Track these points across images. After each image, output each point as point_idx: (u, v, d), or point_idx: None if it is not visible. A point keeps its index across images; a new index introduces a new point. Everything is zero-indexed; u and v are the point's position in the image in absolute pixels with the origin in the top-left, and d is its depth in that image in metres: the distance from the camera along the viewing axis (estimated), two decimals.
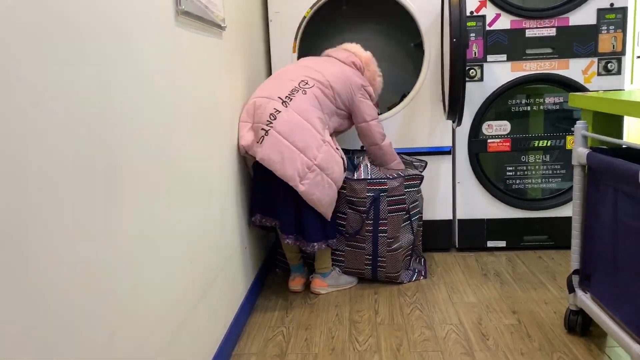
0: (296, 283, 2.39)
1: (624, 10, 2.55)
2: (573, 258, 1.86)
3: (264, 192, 2.18)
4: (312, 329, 2.06)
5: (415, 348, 1.88)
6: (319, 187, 2.10)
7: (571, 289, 1.86)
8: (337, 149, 2.22)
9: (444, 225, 2.79)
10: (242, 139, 2.10)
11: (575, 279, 1.85)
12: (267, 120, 2.07)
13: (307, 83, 2.19)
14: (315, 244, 2.19)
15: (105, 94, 1.05)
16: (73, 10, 0.95)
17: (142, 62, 1.23)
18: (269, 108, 2.09)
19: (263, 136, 2.05)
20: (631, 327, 1.50)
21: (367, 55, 2.44)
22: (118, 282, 1.08)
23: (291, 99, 2.12)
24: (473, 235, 2.79)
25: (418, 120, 2.70)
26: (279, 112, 2.08)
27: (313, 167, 2.07)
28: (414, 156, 2.64)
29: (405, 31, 3.18)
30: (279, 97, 2.13)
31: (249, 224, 2.26)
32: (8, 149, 0.77)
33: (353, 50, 2.43)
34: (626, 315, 1.53)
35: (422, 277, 2.48)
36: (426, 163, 2.54)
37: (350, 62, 2.38)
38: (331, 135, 2.27)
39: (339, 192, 2.25)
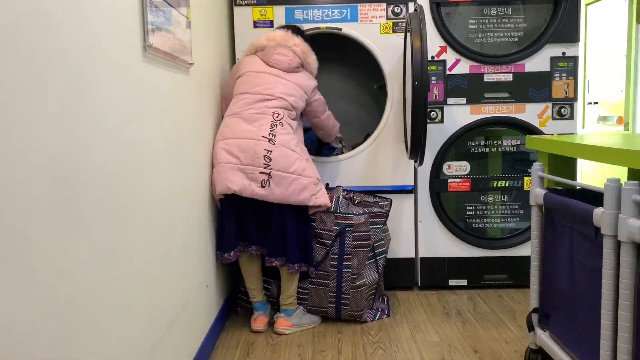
0: (259, 322, 2.35)
1: (574, 59, 2.70)
2: (532, 297, 1.89)
3: (249, 223, 2.27)
4: None
5: None
6: (323, 192, 2.34)
7: (530, 328, 1.89)
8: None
9: (407, 263, 2.81)
10: (232, 183, 2.15)
11: (535, 318, 1.88)
12: (264, 164, 2.17)
13: (278, 114, 2.26)
14: (297, 265, 2.29)
15: (68, 128, 1.03)
16: (36, 41, 0.94)
17: (107, 95, 1.22)
18: (259, 150, 2.17)
19: (267, 180, 2.17)
20: None
21: (302, 47, 2.40)
22: (76, 318, 1.03)
23: (275, 135, 2.21)
24: (435, 273, 2.82)
25: (381, 159, 2.74)
26: (271, 151, 2.18)
27: (315, 181, 2.29)
28: (378, 194, 2.67)
29: (370, 73, 3.26)
30: (263, 137, 2.20)
31: (220, 261, 2.27)
32: None
33: (292, 49, 2.37)
34: (584, 354, 1.56)
35: (385, 316, 2.48)
36: (391, 201, 2.58)
37: (296, 66, 2.39)
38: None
39: None
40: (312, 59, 2.46)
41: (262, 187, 2.17)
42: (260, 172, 2.16)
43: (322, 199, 2.31)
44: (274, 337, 2.29)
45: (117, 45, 1.28)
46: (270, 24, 2.66)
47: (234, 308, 2.57)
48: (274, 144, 2.20)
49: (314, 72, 2.49)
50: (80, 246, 1.06)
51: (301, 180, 2.22)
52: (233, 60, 2.77)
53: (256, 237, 2.29)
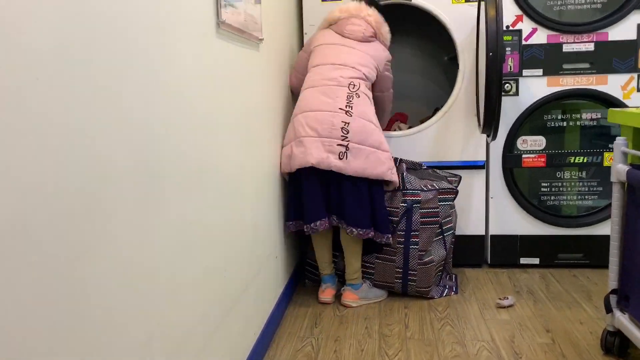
0: (327, 294, 2.39)
1: None
2: (611, 277, 1.81)
3: (331, 194, 2.24)
4: (341, 341, 2.05)
5: None
6: (395, 169, 2.33)
7: (609, 309, 1.81)
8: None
9: (476, 241, 2.75)
10: (310, 156, 2.16)
11: (613, 299, 1.81)
12: (342, 136, 2.17)
13: (354, 85, 2.26)
14: (388, 235, 2.29)
15: (148, 105, 1.08)
16: (118, 23, 0.98)
17: (184, 72, 1.26)
18: (336, 123, 2.18)
19: (344, 152, 2.17)
20: None
21: (375, 17, 2.40)
22: (157, 285, 1.10)
23: (352, 107, 2.21)
24: (506, 252, 2.75)
25: (451, 134, 2.68)
26: (348, 123, 2.18)
27: (390, 156, 2.29)
28: (447, 170, 2.62)
29: (439, 44, 3.17)
30: (340, 109, 2.20)
31: (286, 230, 2.31)
32: (75, 144, 0.80)
33: (365, 18, 2.37)
34: None
35: (453, 293, 2.45)
36: (460, 178, 2.52)
37: (370, 36, 2.38)
38: None
39: None
40: (386, 30, 2.44)
41: (340, 159, 2.16)
42: (338, 144, 2.17)
43: (396, 176, 2.31)
44: (340, 309, 2.33)
45: (192, 23, 1.32)
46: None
47: (301, 280, 2.63)
48: (352, 115, 2.20)
49: (387, 43, 2.47)
50: (160, 218, 1.12)
51: (378, 154, 2.21)
52: (301, 35, 2.77)
53: (336, 208, 2.26)
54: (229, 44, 1.60)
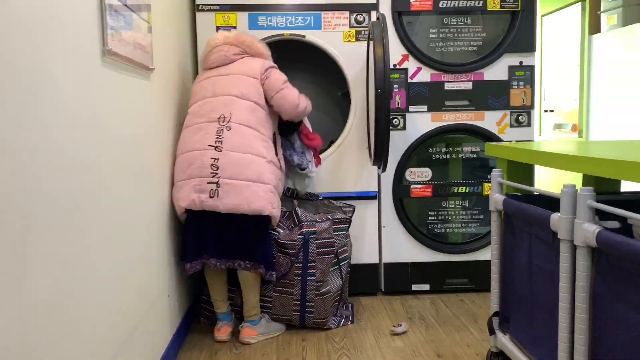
0: (223, 332, 2.30)
1: (531, 68, 2.78)
2: (493, 300, 1.93)
3: (213, 237, 2.17)
4: None
5: None
6: (279, 204, 2.23)
7: (491, 331, 1.93)
8: (279, 159, 2.30)
9: (371, 269, 2.82)
10: (181, 200, 2.10)
11: (495, 321, 1.92)
12: (212, 172, 2.08)
13: (224, 118, 2.15)
14: (272, 272, 2.24)
15: (23, 134, 1.00)
16: None
17: (64, 101, 1.18)
18: (205, 160, 2.09)
19: (215, 189, 2.07)
20: None
21: (235, 34, 2.34)
22: (33, 331, 1.00)
23: (221, 142, 2.11)
24: (398, 279, 2.84)
25: (345, 166, 2.75)
26: (217, 159, 2.09)
27: (272, 189, 2.16)
28: (342, 201, 2.68)
29: (333, 79, 3.27)
30: (209, 145, 2.11)
31: (183, 270, 2.22)
32: None
33: (225, 41, 2.30)
34: (542, 356, 1.60)
35: (349, 322, 2.48)
36: (354, 208, 2.59)
37: (234, 55, 2.30)
38: (274, 134, 2.32)
39: None
40: (250, 40, 2.34)
41: (211, 197, 2.08)
42: (208, 182, 2.08)
43: (277, 210, 2.21)
44: (237, 347, 2.26)
45: (73, 50, 1.25)
46: (234, 30, 2.65)
47: (197, 317, 2.53)
48: (221, 150, 2.10)
49: (260, 51, 2.36)
50: (35, 259, 1.02)
51: (254, 188, 2.10)
52: (196, 66, 2.74)
53: (216, 249, 2.19)
54: (116, 73, 1.53)
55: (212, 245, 2.18)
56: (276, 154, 2.29)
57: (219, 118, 2.15)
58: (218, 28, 2.64)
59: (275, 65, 2.38)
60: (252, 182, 2.09)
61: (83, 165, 1.27)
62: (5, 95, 0.94)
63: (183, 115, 2.38)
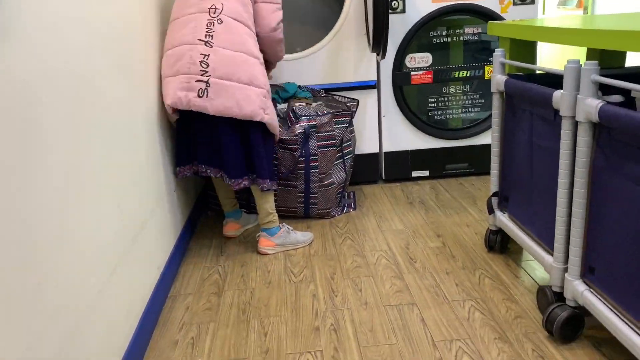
0: (230, 228, 2.35)
1: None
2: (492, 181, 1.97)
3: (203, 142, 2.04)
4: (247, 265, 2.08)
5: (349, 275, 1.95)
6: (272, 109, 2.05)
7: (491, 210, 1.98)
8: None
9: (372, 158, 2.85)
10: (167, 97, 1.94)
11: (495, 201, 1.97)
12: (201, 70, 1.91)
13: (215, 9, 1.96)
14: (268, 180, 2.08)
15: (16, 39, 0.96)
16: None
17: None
18: (195, 56, 1.91)
19: (204, 88, 1.90)
20: (544, 240, 1.63)
21: None
22: (47, 232, 1.03)
23: (212, 36, 1.94)
24: (398, 167, 2.88)
25: (343, 55, 2.68)
26: (208, 55, 1.91)
27: (265, 93, 1.99)
28: (341, 91, 2.64)
29: None
30: (199, 40, 1.94)
31: (175, 175, 2.14)
32: None
33: None
34: (540, 231, 1.66)
35: (352, 209, 2.55)
36: (358, 102, 2.55)
37: None
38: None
39: None
40: None
41: (200, 97, 1.91)
42: (197, 81, 1.90)
43: (271, 116, 2.02)
44: (246, 235, 2.35)
45: None
46: None
47: (204, 210, 2.60)
48: (211, 46, 1.92)
49: None
50: (41, 167, 1.03)
51: (247, 91, 1.93)
52: None
53: (205, 155, 2.06)
54: None
55: (201, 150, 2.07)
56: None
57: (209, 8, 1.97)
58: None
59: None
60: (244, 85, 1.94)
61: (79, 67, 1.24)
62: None
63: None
